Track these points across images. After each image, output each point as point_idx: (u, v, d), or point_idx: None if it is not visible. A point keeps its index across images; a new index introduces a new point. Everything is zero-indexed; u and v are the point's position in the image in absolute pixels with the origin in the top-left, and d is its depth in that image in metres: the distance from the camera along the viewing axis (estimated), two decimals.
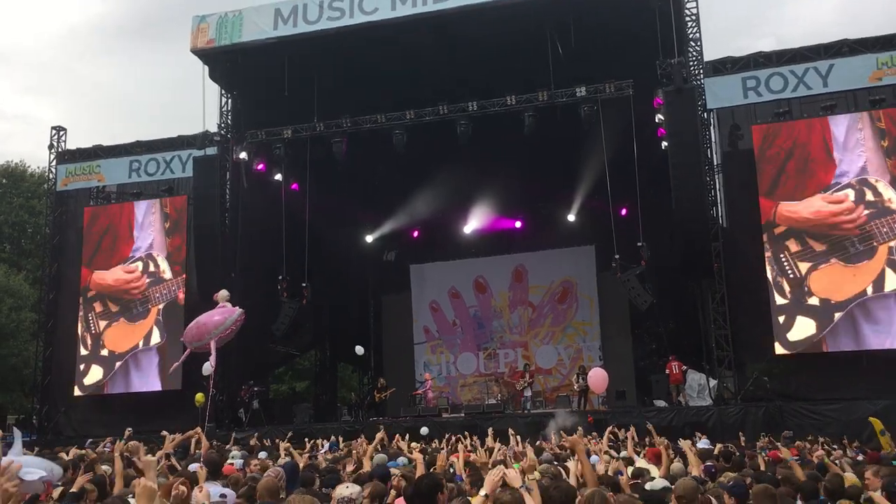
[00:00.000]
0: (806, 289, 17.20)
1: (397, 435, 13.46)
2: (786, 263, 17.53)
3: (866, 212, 17.13)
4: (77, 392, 21.89)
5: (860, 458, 10.36)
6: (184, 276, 21.60)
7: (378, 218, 26.94)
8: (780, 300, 17.43)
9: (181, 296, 21.50)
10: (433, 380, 24.22)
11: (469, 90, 19.96)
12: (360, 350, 21.75)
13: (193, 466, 6.29)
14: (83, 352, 22.06)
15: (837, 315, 16.86)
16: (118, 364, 21.63)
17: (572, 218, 25.30)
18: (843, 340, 16.95)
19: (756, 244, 17.99)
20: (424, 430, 20.24)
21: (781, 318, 17.32)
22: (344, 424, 20.24)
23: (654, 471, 7.01)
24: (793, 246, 17.50)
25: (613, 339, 25.38)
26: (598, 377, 16.90)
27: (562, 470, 6.35)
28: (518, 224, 26.46)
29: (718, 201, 18.78)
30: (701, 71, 18.90)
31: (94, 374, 21.83)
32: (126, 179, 23.25)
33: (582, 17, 18.33)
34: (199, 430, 10.02)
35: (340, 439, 14.20)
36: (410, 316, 27.81)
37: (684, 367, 19.26)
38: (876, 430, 13.11)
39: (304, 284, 20.94)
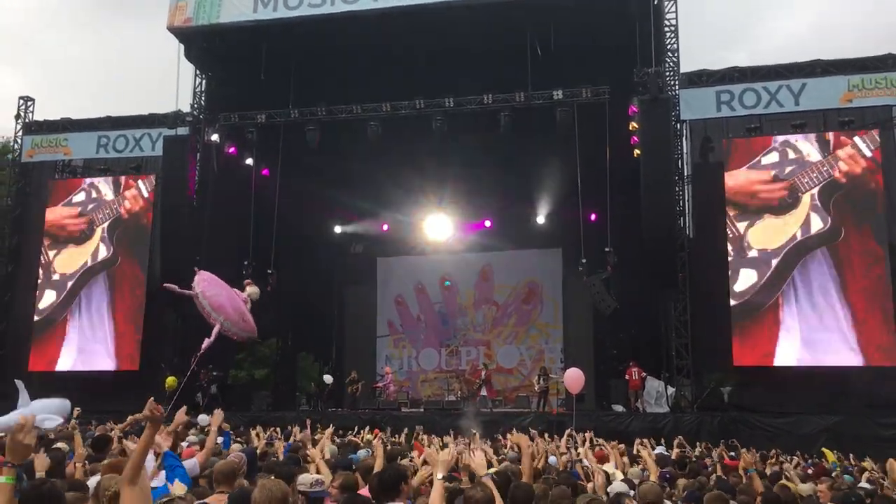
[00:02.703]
0: (746, 244, 18.05)
1: (357, 427, 13.45)
2: (728, 223, 18.28)
3: (789, 168, 18.07)
4: (31, 358, 21.58)
5: (809, 471, 10.56)
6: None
7: (347, 209, 26.82)
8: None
9: (123, 211, 21.88)
10: (394, 373, 24.21)
11: (446, 86, 19.94)
12: (328, 379, 21.83)
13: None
14: (38, 280, 22.08)
15: (774, 261, 17.76)
16: (70, 284, 21.70)
17: (541, 220, 25.46)
18: (790, 351, 17.41)
19: (720, 256, 18.24)
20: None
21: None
22: (302, 414, 20.13)
23: (619, 474, 7.09)
24: (731, 210, 18.33)
25: (576, 342, 25.57)
26: (573, 377, 16.95)
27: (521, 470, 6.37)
28: (487, 223, 26.52)
29: (686, 212, 19.00)
30: (676, 82, 19.09)
31: (48, 298, 21.86)
32: (93, 154, 22.87)
33: (562, 21, 18.41)
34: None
35: (307, 424, 14.12)
36: (375, 309, 27.79)
37: (644, 374, 19.48)
38: (827, 457, 13.35)
39: (269, 271, 20.77)
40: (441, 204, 25.83)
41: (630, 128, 18.90)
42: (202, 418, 13.28)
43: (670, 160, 18.40)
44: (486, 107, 19.79)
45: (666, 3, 18.99)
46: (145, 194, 21.89)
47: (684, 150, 19.19)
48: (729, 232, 18.18)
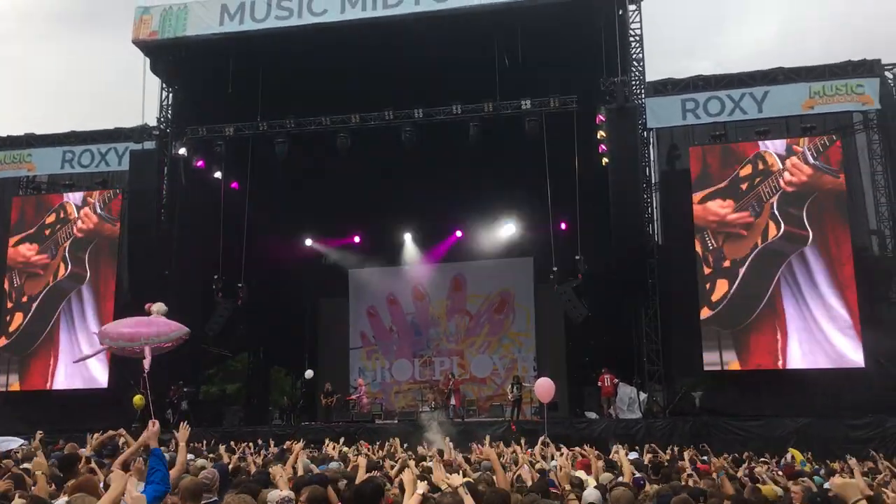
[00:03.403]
0: (723, 255, 18.36)
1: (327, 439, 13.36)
2: (708, 240, 18.53)
3: (757, 179, 18.39)
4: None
5: (780, 473, 10.68)
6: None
7: (318, 221, 26.72)
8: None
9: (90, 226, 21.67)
10: (367, 385, 24.09)
11: (415, 97, 19.99)
12: (309, 374, 21.68)
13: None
14: (9, 305, 21.79)
15: (741, 270, 18.07)
16: (34, 305, 21.52)
17: (512, 229, 25.59)
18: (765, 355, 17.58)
19: (689, 262, 18.44)
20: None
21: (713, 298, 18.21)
22: (275, 428, 19.96)
23: (591, 481, 7.11)
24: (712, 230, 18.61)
25: (548, 351, 25.62)
26: (544, 387, 17.00)
27: (495, 479, 6.38)
28: (458, 233, 26.55)
29: (655, 219, 19.19)
30: (642, 91, 19.32)
31: (17, 320, 21.63)
32: (58, 170, 22.56)
33: (529, 31, 18.59)
34: (122, 431, 9.79)
35: (271, 443, 14.01)
36: (347, 321, 27.65)
37: (616, 381, 19.57)
38: (796, 458, 13.52)
39: (239, 285, 20.60)
40: (412, 215, 25.82)
41: (598, 136, 19.10)
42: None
43: (638, 168, 18.60)
44: (455, 117, 19.85)
45: (630, 13, 19.21)
46: (110, 210, 21.67)
47: (651, 158, 19.41)
48: (710, 244, 18.41)
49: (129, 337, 8.90)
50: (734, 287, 18.02)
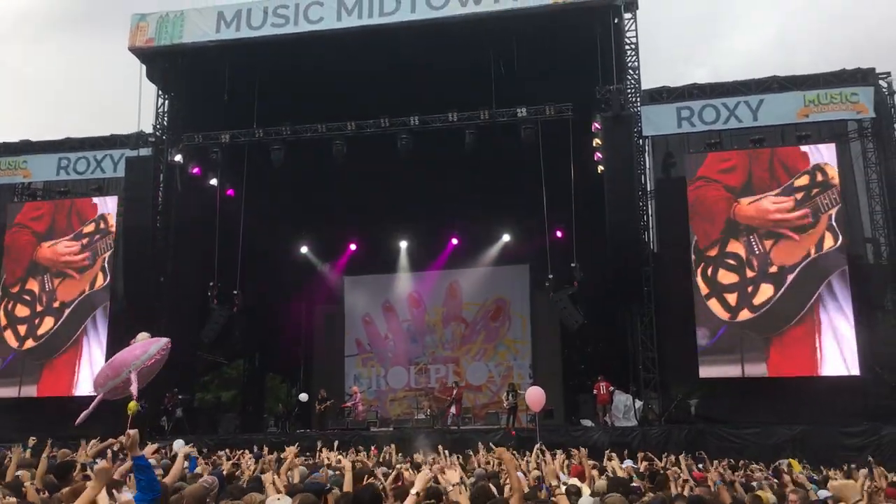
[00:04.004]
0: (769, 260, 18.06)
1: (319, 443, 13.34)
2: (754, 243, 18.22)
3: (815, 190, 18.10)
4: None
5: (775, 481, 10.67)
6: None
7: (314, 228, 26.72)
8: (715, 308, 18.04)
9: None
10: (362, 393, 24.06)
11: (411, 105, 20.01)
12: (303, 397, 21.63)
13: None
14: (38, 308, 21.50)
15: (790, 277, 17.80)
16: (67, 311, 21.24)
17: (508, 237, 25.63)
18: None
19: (685, 270, 18.45)
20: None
21: (733, 297, 18.05)
22: (270, 436, 19.91)
23: (585, 489, 7.10)
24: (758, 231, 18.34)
25: (544, 358, 25.62)
26: (535, 396, 17.02)
27: (491, 486, 6.36)
28: (454, 240, 26.56)
29: (650, 226, 19.23)
30: (638, 99, 19.37)
31: (46, 325, 21.37)
32: (54, 177, 22.53)
33: (525, 39, 18.66)
34: (121, 438, 9.72)
35: (266, 450, 13.95)
36: (343, 328, 27.61)
37: (612, 388, 19.57)
38: (794, 468, 13.50)
39: (235, 292, 20.59)
40: (407, 222, 25.84)
41: (593, 144, 19.14)
42: (178, 444, 13.08)
43: (633, 176, 18.63)
44: (451, 125, 19.86)
45: (626, 21, 19.28)
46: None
47: (647, 166, 19.44)
48: (756, 248, 18.18)
49: (115, 373, 8.80)
50: (780, 293, 17.79)
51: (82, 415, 10.80)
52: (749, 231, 18.33)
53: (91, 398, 9.01)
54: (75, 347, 21.08)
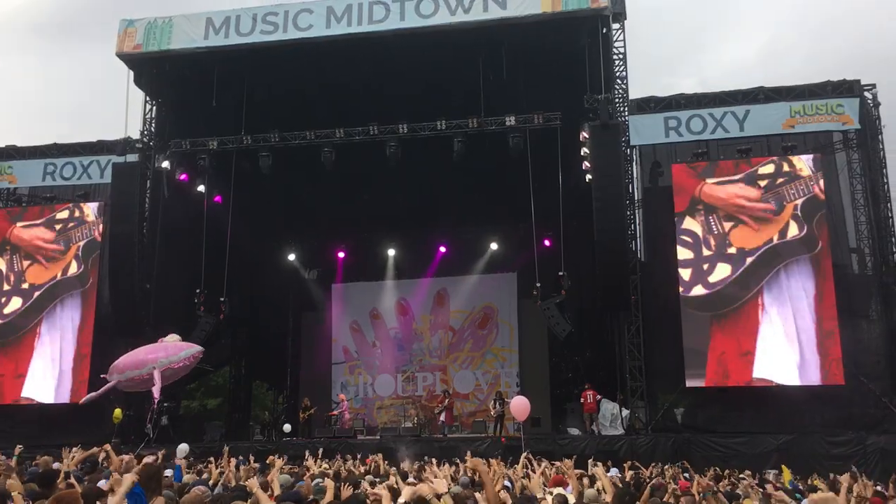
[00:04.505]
0: (728, 242, 18.43)
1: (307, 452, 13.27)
2: (713, 223, 18.62)
3: (780, 180, 18.48)
4: None
5: (761, 490, 10.69)
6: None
7: (301, 235, 26.65)
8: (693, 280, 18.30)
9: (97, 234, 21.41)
10: (349, 401, 23.98)
11: (400, 112, 20.02)
12: (287, 428, 21.57)
13: (103, 483, 6.08)
14: (5, 287, 21.53)
15: (749, 259, 18.17)
16: (36, 294, 21.28)
17: (496, 245, 25.67)
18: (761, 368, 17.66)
19: (672, 279, 18.52)
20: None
21: (687, 273, 18.41)
22: (256, 444, 19.81)
23: (571, 498, 7.10)
24: (718, 213, 18.71)
25: (531, 367, 25.63)
26: (519, 405, 17.01)
27: (477, 496, 6.34)
28: (442, 248, 26.56)
29: (638, 235, 19.29)
30: (626, 108, 19.48)
31: (13, 304, 21.39)
32: (40, 182, 22.40)
33: (513, 48, 18.74)
34: (107, 446, 9.67)
35: (252, 458, 13.89)
36: (330, 335, 27.53)
37: (599, 397, 19.59)
38: (785, 477, 13.54)
39: (222, 299, 20.48)
40: (395, 229, 25.82)
41: (581, 153, 19.20)
42: (182, 449, 12.96)
43: (621, 185, 18.70)
44: (440, 133, 19.88)
45: (614, 31, 19.38)
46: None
47: (634, 175, 19.52)
48: (714, 228, 18.54)
49: (139, 364, 8.79)
50: (736, 274, 18.14)
51: (89, 396, 10.66)
52: (710, 210, 18.69)
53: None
54: (32, 334, 21.11)
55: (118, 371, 9.03)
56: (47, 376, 20.74)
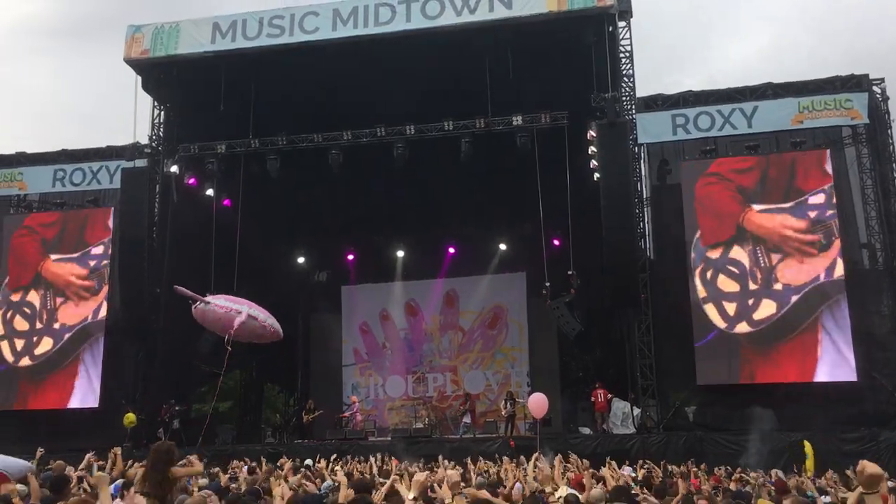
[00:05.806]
0: (774, 276, 18.01)
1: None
2: (760, 255, 18.19)
3: (829, 212, 18.06)
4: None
5: (773, 488, 10.64)
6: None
7: (310, 237, 26.70)
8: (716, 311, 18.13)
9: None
10: (361, 402, 24.00)
11: (407, 114, 20.03)
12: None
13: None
14: (38, 325, 21.39)
15: (794, 297, 17.73)
16: (66, 336, 21.13)
17: (505, 245, 25.64)
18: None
19: (682, 277, 18.47)
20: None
21: (732, 307, 18.03)
22: (267, 447, 19.86)
23: (580, 497, 7.09)
24: (766, 244, 18.28)
25: (541, 366, 25.57)
26: (537, 402, 16.94)
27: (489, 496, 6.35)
28: (451, 249, 26.55)
29: (646, 233, 19.24)
30: (633, 106, 19.43)
31: (44, 345, 21.25)
32: (49, 189, 22.49)
33: (520, 48, 18.71)
34: (115, 450, 9.72)
35: (263, 461, 13.91)
36: (340, 337, 27.57)
37: (609, 396, 19.56)
38: (808, 452, 13.49)
39: None
40: (404, 231, 25.83)
41: (589, 152, 19.17)
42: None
43: (629, 183, 18.64)
44: (447, 133, 19.89)
45: (620, 29, 19.34)
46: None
47: (642, 173, 19.48)
48: (761, 261, 18.10)
49: (233, 300, 8.99)
50: (783, 311, 17.74)
51: (184, 289, 10.81)
52: (756, 241, 18.28)
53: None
54: (73, 366, 21.02)
55: (214, 297, 9.28)
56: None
